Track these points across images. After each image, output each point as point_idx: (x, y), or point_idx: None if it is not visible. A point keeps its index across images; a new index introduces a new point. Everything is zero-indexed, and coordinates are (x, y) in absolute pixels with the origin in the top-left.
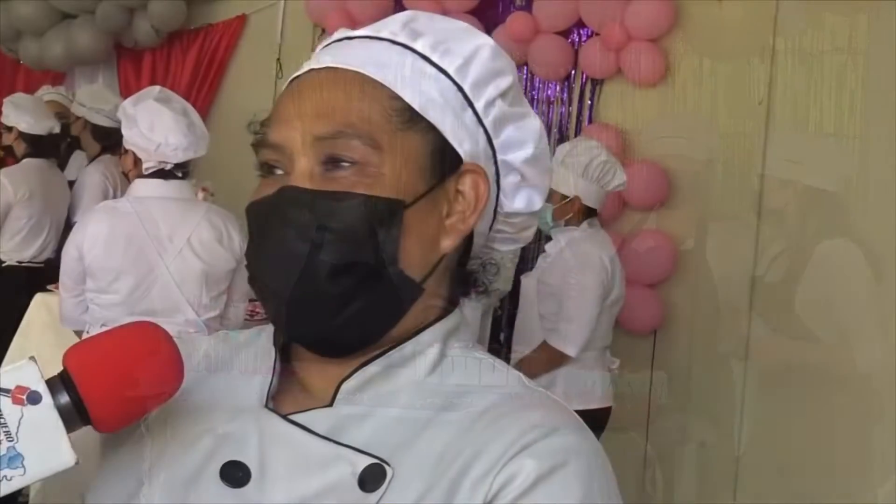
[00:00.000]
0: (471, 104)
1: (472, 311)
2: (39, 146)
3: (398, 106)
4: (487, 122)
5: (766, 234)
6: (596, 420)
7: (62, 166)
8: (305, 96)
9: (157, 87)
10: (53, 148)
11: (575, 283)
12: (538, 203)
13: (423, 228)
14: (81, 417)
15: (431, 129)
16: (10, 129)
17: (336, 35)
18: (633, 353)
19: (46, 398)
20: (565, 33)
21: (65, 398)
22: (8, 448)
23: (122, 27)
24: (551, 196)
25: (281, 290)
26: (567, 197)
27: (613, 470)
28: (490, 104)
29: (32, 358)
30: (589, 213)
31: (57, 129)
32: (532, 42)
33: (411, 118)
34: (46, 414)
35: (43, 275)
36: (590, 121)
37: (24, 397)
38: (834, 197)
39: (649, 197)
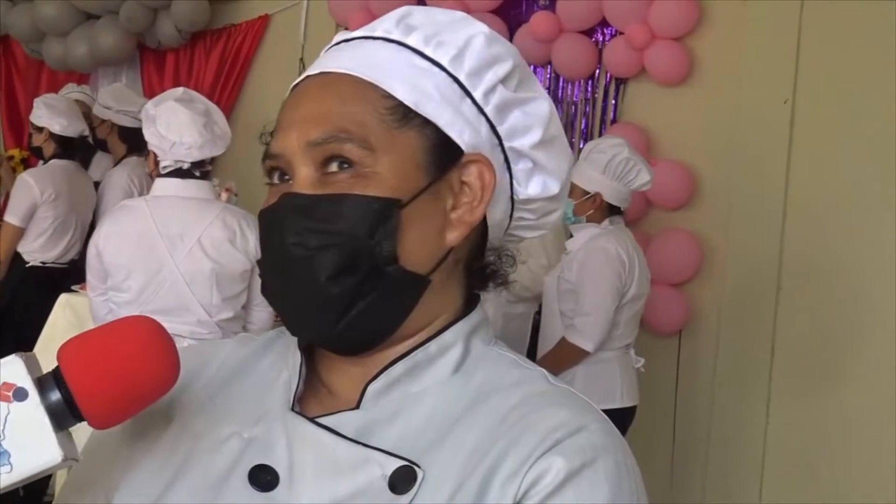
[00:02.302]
0: (468, 94)
1: (493, 311)
2: (69, 148)
3: (390, 104)
4: (489, 109)
5: (791, 233)
6: (621, 419)
7: (85, 167)
8: (299, 104)
9: (181, 89)
10: (82, 150)
11: (591, 279)
12: (555, 188)
13: (427, 223)
14: (73, 414)
15: (428, 123)
16: (39, 129)
17: (336, 38)
18: (658, 353)
19: (33, 395)
20: (589, 33)
21: (56, 395)
22: None
23: (145, 27)
24: (573, 191)
25: (286, 294)
26: (588, 193)
27: (641, 466)
28: (490, 91)
29: (19, 354)
30: (612, 210)
31: (87, 133)
32: (556, 41)
33: (405, 115)
34: (33, 411)
35: (67, 276)
36: (614, 120)
37: (11, 394)
38: (860, 196)
39: (674, 196)
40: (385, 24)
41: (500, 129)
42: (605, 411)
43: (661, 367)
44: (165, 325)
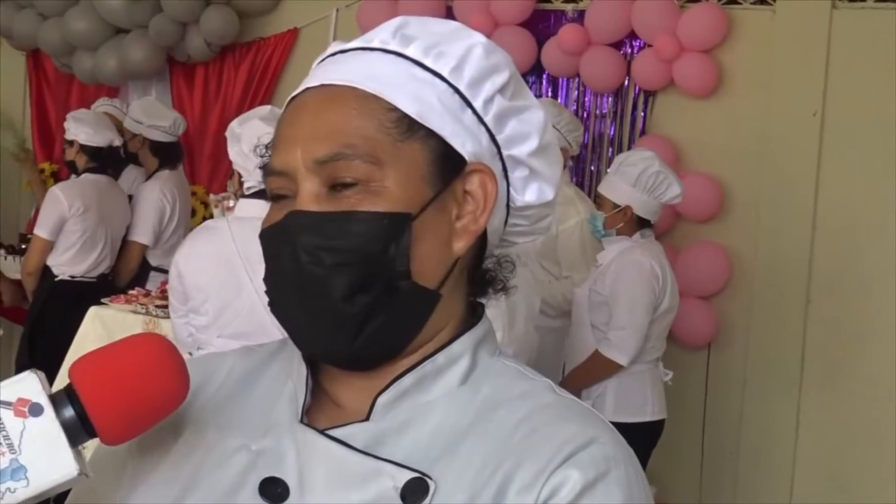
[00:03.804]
0: (469, 104)
1: (525, 323)
2: (100, 160)
3: (395, 117)
4: (488, 119)
5: (821, 246)
6: (651, 432)
7: (115, 179)
8: (303, 118)
9: (268, 107)
10: (115, 161)
11: (625, 292)
12: (550, 194)
13: (434, 235)
14: (86, 429)
15: (431, 135)
16: (70, 143)
17: (330, 49)
18: (687, 365)
19: (48, 410)
20: (617, 45)
21: (69, 411)
22: (11, 460)
23: (174, 41)
24: (604, 204)
25: (298, 314)
26: (619, 206)
27: (670, 480)
28: (489, 101)
29: (34, 370)
30: (642, 223)
31: (118, 142)
32: (584, 54)
33: (409, 127)
34: (48, 426)
35: (96, 290)
36: (642, 133)
37: (26, 409)
38: (890, 208)
39: (703, 209)
40: (381, 35)
41: (499, 138)
42: (636, 425)
43: (690, 379)
44: None
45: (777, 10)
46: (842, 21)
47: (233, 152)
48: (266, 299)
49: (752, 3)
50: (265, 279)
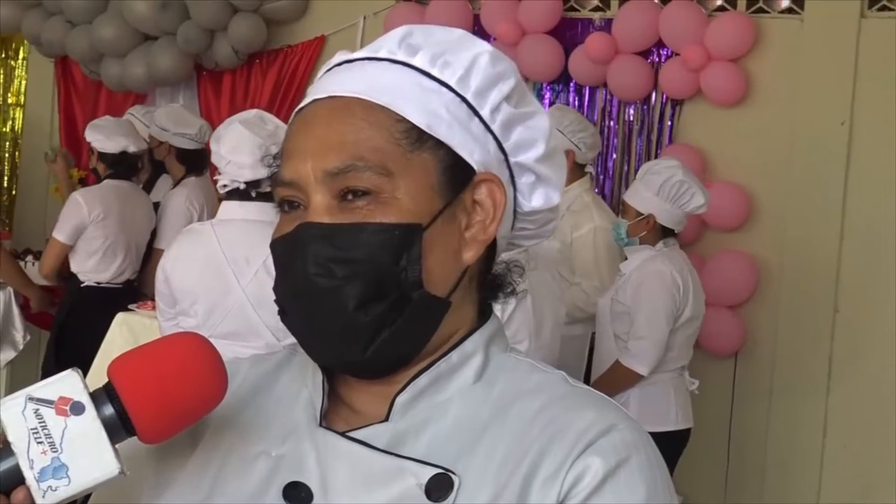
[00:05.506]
0: (476, 113)
1: (551, 331)
2: (119, 166)
3: (404, 128)
4: (495, 127)
5: (849, 255)
6: (675, 441)
7: (149, 188)
8: (312, 130)
9: (254, 111)
10: (132, 168)
11: (646, 302)
12: (556, 198)
13: (444, 245)
14: (126, 428)
15: (440, 145)
16: (93, 150)
17: (336, 59)
18: (714, 375)
19: (90, 409)
20: (645, 54)
21: (109, 409)
22: (52, 459)
23: (202, 49)
24: (627, 212)
25: (310, 325)
26: (642, 214)
27: (696, 489)
28: (496, 109)
29: (75, 369)
30: (665, 232)
31: (132, 149)
32: (611, 63)
33: (419, 138)
34: (90, 424)
35: (122, 296)
36: (670, 141)
37: (68, 408)
38: None
39: (730, 217)
40: (388, 45)
41: (506, 146)
42: (659, 434)
43: (717, 389)
44: (234, 349)
45: (805, 19)
46: (870, 30)
47: (215, 155)
48: (254, 299)
49: (780, 12)
50: (275, 288)
